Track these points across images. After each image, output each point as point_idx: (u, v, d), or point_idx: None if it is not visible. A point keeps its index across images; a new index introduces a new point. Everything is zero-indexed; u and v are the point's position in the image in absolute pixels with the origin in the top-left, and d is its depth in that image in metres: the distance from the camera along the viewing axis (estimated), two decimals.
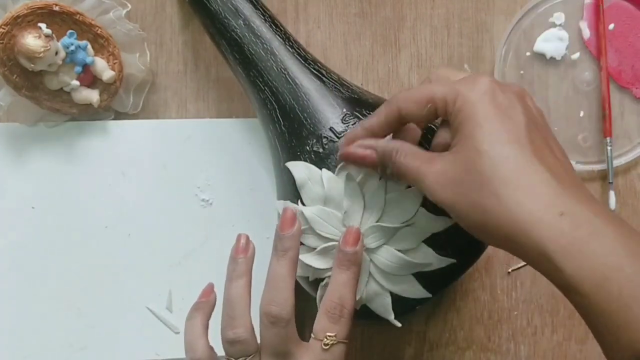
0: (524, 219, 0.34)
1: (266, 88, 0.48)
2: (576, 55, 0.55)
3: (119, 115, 0.56)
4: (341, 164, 0.44)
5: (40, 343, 0.54)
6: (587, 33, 0.55)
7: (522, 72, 0.56)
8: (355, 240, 0.42)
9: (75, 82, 0.52)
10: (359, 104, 0.47)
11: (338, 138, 0.46)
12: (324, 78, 0.48)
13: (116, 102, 0.55)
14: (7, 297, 0.54)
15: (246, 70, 0.49)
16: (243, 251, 0.42)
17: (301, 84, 0.48)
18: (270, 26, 0.49)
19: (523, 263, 0.56)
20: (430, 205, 0.43)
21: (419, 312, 0.56)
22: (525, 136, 0.36)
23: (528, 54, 0.56)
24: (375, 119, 0.41)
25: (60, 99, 0.53)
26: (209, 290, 0.44)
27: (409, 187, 0.44)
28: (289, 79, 0.48)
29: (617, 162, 0.55)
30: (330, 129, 0.46)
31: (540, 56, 0.56)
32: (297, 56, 0.49)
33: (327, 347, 0.40)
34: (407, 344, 0.56)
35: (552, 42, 0.55)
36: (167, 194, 0.55)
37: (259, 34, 0.49)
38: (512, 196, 0.34)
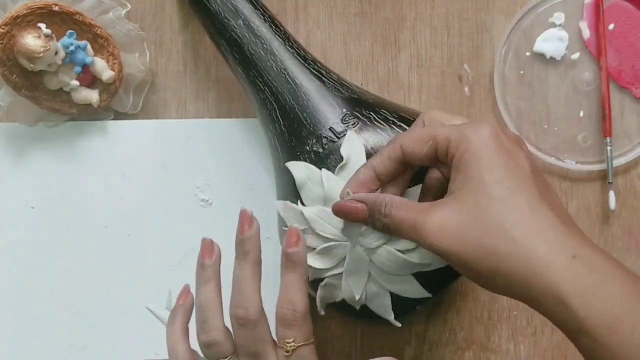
0: (539, 262, 0.34)
1: (266, 88, 0.48)
2: (576, 55, 0.55)
3: (119, 115, 0.56)
4: (341, 163, 0.44)
5: (40, 343, 0.54)
6: (587, 33, 0.55)
7: (522, 72, 0.56)
8: (296, 240, 0.42)
9: (75, 82, 0.52)
10: (359, 104, 0.47)
11: (338, 138, 0.46)
12: (323, 78, 0.48)
13: (116, 102, 0.55)
14: (7, 297, 0.54)
15: (246, 70, 0.49)
16: (208, 256, 0.42)
17: (301, 84, 0.48)
18: (270, 26, 0.49)
19: None
20: None
21: (419, 312, 0.56)
22: (532, 182, 0.36)
23: (528, 54, 0.56)
24: (378, 158, 0.41)
25: (60, 99, 0.53)
26: (185, 293, 0.45)
27: (409, 186, 0.44)
28: (289, 79, 0.48)
29: (617, 162, 0.55)
30: (330, 129, 0.46)
31: (540, 56, 0.56)
32: (297, 56, 0.49)
33: (289, 353, 0.40)
34: (407, 344, 0.56)
35: (552, 42, 0.55)
36: (167, 194, 0.55)
37: (258, 34, 0.49)
38: (525, 239, 0.34)
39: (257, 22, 0.49)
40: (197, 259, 0.43)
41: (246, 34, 0.49)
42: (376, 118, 0.46)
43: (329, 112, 0.47)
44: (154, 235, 0.55)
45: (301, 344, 0.40)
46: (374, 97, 0.49)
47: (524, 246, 0.34)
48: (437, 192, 0.41)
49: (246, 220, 0.42)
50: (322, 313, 0.47)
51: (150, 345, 0.54)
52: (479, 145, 0.37)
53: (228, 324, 0.42)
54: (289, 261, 0.41)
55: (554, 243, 0.34)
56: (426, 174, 0.43)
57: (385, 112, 0.47)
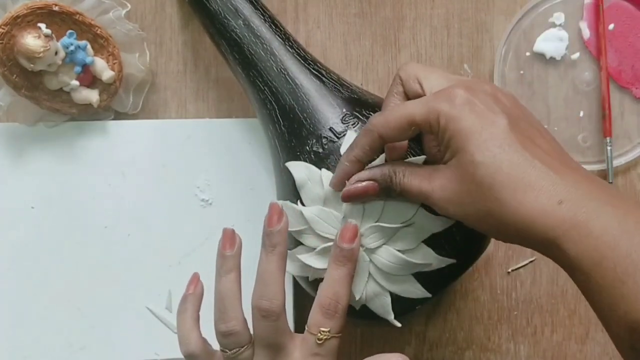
0: (528, 215, 0.36)
1: (266, 88, 0.48)
2: (576, 55, 0.55)
3: (119, 115, 0.56)
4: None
5: (40, 343, 0.54)
6: (587, 33, 0.55)
7: (522, 72, 0.56)
8: (352, 236, 0.42)
9: (75, 82, 0.52)
10: (359, 104, 0.47)
11: (338, 138, 0.46)
12: (323, 78, 0.48)
13: (116, 102, 0.55)
14: (6, 297, 0.54)
15: (246, 70, 0.49)
16: (230, 246, 0.43)
17: (301, 84, 0.48)
18: (270, 26, 0.49)
19: (523, 263, 0.56)
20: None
21: (418, 312, 0.56)
22: (511, 136, 0.38)
23: (528, 54, 0.56)
24: (358, 150, 0.42)
25: (60, 99, 0.53)
26: (195, 281, 0.45)
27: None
28: (289, 79, 0.48)
29: (617, 162, 0.55)
30: (330, 129, 0.46)
31: (540, 56, 0.56)
32: (297, 56, 0.49)
33: (321, 341, 0.41)
34: (407, 344, 0.56)
35: (552, 42, 0.55)
36: (167, 194, 0.55)
37: (258, 34, 0.49)
38: (513, 197, 0.37)
39: (257, 22, 0.49)
40: (218, 248, 0.43)
41: (246, 34, 0.49)
42: None
43: (329, 112, 0.47)
44: (154, 235, 0.55)
45: (335, 335, 0.41)
46: (374, 97, 0.49)
47: (512, 203, 0.36)
48: (442, 155, 0.42)
49: (276, 212, 0.42)
50: None
51: (150, 345, 0.54)
52: (454, 119, 0.38)
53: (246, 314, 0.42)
54: (343, 256, 0.42)
55: (541, 193, 0.36)
56: (423, 141, 0.44)
57: None
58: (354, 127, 0.46)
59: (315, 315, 0.42)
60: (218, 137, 0.55)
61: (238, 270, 0.43)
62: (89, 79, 0.53)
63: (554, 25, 0.55)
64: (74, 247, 0.55)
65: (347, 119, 0.46)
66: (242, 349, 0.41)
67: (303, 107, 0.47)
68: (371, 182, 0.42)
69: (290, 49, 0.49)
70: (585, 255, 0.35)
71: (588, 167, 0.55)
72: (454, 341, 0.56)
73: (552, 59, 0.55)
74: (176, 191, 0.55)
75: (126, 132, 0.55)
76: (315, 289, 0.46)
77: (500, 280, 0.56)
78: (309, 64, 0.49)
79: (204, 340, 0.43)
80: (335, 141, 0.46)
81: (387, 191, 0.42)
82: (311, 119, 0.47)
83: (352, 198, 0.43)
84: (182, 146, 0.55)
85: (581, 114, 0.56)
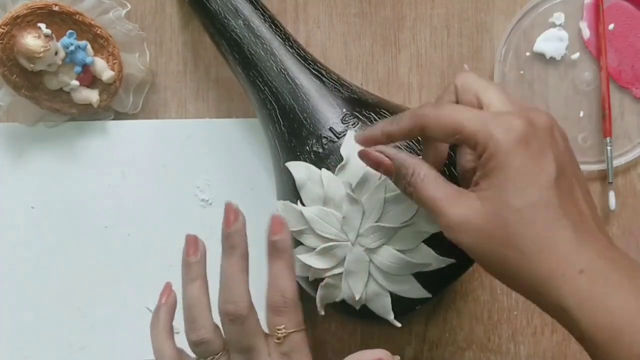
0: (546, 275, 0.35)
1: (266, 88, 0.48)
2: (576, 55, 0.55)
3: (119, 115, 0.56)
4: (341, 164, 0.44)
5: (40, 343, 0.54)
6: (587, 33, 0.55)
7: (522, 72, 0.56)
8: (280, 227, 0.41)
9: (75, 82, 0.52)
10: (359, 104, 0.47)
11: (338, 138, 0.46)
12: (323, 78, 0.48)
13: (116, 102, 0.55)
14: (6, 297, 0.54)
15: (246, 70, 0.49)
16: (194, 253, 0.42)
17: (301, 84, 0.48)
18: (270, 26, 0.49)
19: None
20: None
21: (418, 312, 0.56)
22: (553, 191, 0.36)
23: (528, 54, 0.56)
24: (397, 127, 0.40)
25: (60, 99, 0.53)
26: (167, 291, 0.45)
27: None
28: (289, 79, 0.48)
29: (617, 162, 0.55)
30: (330, 129, 0.46)
31: (540, 56, 0.56)
32: (297, 56, 0.49)
33: (280, 340, 0.40)
34: (407, 344, 0.56)
35: (552, 42, 0.55)
36: (167, 194, 0.55)
37: (258, 34, 0.49)
38: (536, 254, 0.36)
39: (257, 22, 0.49)
40: (182, 256, 0.42)
41: (246, 34, 0.49)
42: (376, 118, 0.46)
43: (329, 112, 0.47)
44: (154, 235, 0.55)
45: (292, 330, 0.41)
46: (374, 97, 0.49)
47: (533, 260, 0.36)
48: (474, 171, 0.40)
49: (231, 213, 0.42)
50: (322, 313, 0.47)
51: (150, 346, 0.54)
52: (504, 153, 0.36)
53: (216, 320, 0.42)
54: (275, 249, 0.41)
55: (564, 258, 0.36)
56: (458, 152, 0.42)
57: (386, 112, 0.47)
58: (354, 127, 0.46)
59: (267, 316, 0.41)
60: (218, 137, 0.55)
61: (204, 277, 0.42)
62: (89, 79, 0.53)
63: (554, 25, 0.55)
64: (74, 247, 0.55)
65: (347, 119, 0.46)
66: (217, 356, 0.41)
67: (303, 107, 0.47)
68: (390, 161, 0.40)
69: (290, 49, 0.49)
70: (599, 329, 0.35)
71: (588, 167, 0.55)
72: (454, 341, 0.56)
73: (552, 59, 0.55)
74: (176, 191, 0.55)
75: (126, 132, 0.55)
76: (315, 289, 0.46)
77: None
78: (309, 64, 0.49)
79: (179, 351, 0.43)
80: (335, 141, 0.46)
81: (398, 180, 0.40)
82: (311, 119, 0.47)
83: (365, 160, 0.42)
84: (182, 146, 0.55)
85: (581, 114, 0.56)
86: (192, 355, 0.43)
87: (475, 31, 0.57)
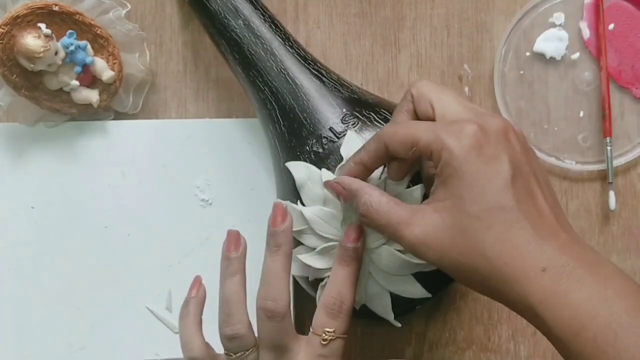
0: (511, 277, 0.36)
1: (266, 88, 0.48)
2: (576, 55, 0.55)
3: (119, 115, 0.56)
4: (341, 164, 0.44)
5: (40, 343, 0.54)
6: (587, 33, 0.55)
7: (522, 72, 0.56)
8: (357, 236, 0.42)
9: (75, 82, 0.52)
10: (359, 104, 0.47)
11: (338, 138, 0.46)
12: (323, 78, 0.48)
13: (116, 102, 0.55)
14: (6, 297, 0.54)
15: (246, 70, 0.49)
16: (235, 248, 0.43)
17: (301, 84, 0.48)
18: (270, 26, 0.49)
19: None
20: None
21: (418, 312, 0.56)
22: (510, 192, 0.37)
23: (528, 54, 0.56)
24: (364, 153, 0.42)
25: (60, 99, 0.53)
26: (197, 284, 0.45)
27: (409, 186, 0.44)
28: (289, 79, 0.48)
29: (617, 162, 0.55)
30: (330, 129, 0.46)
31: (540, 56, 0.56)
32: (297, 56, 0.49)
33: (326, 342, 0.41)
34: (407, 344, 0.56)
35: (552, 42, 0.55)
36: (167, 194, 0.55)
37: (258, 34, 0.49)
38: (499, 258, 0.36)
39: (257, 22, 0.49)
40: (222, 250, 0.43)
41: (246, 34, 0.49)
42: (376, 118, 0.46)
43: (329, 112, 0.47)
44: (154, 235, 0.55)
45: (340, 335, 0.41)
46: (374, 97, 0.49)
47: (498, 264, 0.36)
48: None
49: (280, 212, 0.42)
50: None
51: (150, 345, 0.54)
52: (457, 161, 0.37)
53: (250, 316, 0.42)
54: (347, 256, 0.42)
55: (526, 258, 0.36)
56: (421, 167, 0.44)
57: (385, 112, 0.47)
58: (354, 127, 0.46)
59: (319, 315, 0.42)
60: (218, 137, 0.55)
61: (243, 272, 0.43)
62: (89, 79, 0.53)
63: (554, 25, 0.55)
64: (74, 247, 0.55)
65: (347, 119, 0.46)
66: (247, 352, 0.41)
67: (303, 107, 0.47)
68: (344, 191, 0.42)
69: (290, 49, 0.49)
70: (564, 325, 0.35)
71: (588, 167, 0.55)
72: (454, 341, 0.56)
73: (552, 59, 0.55)
74: (176, 191, 0.55)
75: (126, 132, 0.55)
76: (315, 289, 0.46)
77: None
78: (309, 64, 0.49)
79: (207, 345, 0.43)
80: (335, 141, 0.46)
81: (354, 209, 0.42)
82: (311, 119, 0.47)
83: (328, 189, 0.43)
84: (182, 146, 0.55)
85: (581, 114, 0.56)
86: (218, 350, 0.43)
87: (475, 31, 0.57)
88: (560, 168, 0.56)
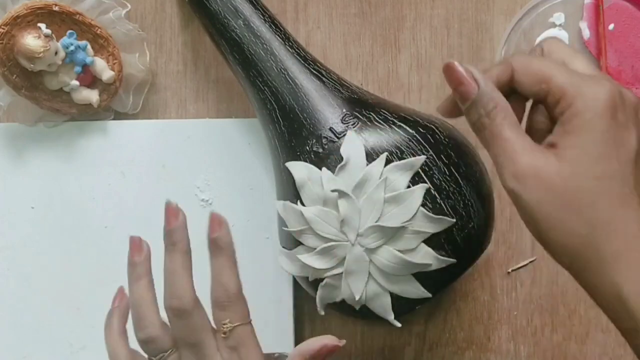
0: (609, 256, 0.34)
1: (266, 88, 0.48)
2: None
3: (119, 115, 0.56)
4: (341, 164, 0.44)
5: (40, 343, 0.54)
6: (587, 33, 0.55)
7: None
8: (217, 225, 0.42)
9: (75, 82, 0.52)
10: (359, 104, 0.47)
11: (338, 138, 0.46)
12: (323, 78, 0.48)
13: (116, 102, 0.55)
14: (6, 297, 0.54)
15: (246, 70, 0.49)
16: (137, 253, 0.42)
17: (301, 84, 0.48)
18: (270, 26, 0.49)
19: (523, 263, 0.56)
20: (430, 206, 0.43)
21: (418, 313, 0.56)
22: (631, 168, 0.35)
23: None
24: (488, 66, 0.39)
25: (60, 99, 0.53)
26: (120, 295, 0.45)
27: (409, 187, 0.44)
28: (289, 79, 0.48)
29: None
30: (330, 129, 0.46)
31: None
32: (297, 56, 0.49)
33: (226, 335, 0.40)
34: (407, 344, 0.56)
35: None
36: (166, 194, 0.55)
37: (258, 34, 0.49)
38: (603, 229, 0.34)
39: (257, 22, 0.49)
40: (127, 257, 0.42)
41: (246, 34, 0.49)
42: (376, 118, 0.46)
43: (329, 112, 0.47)
44: (154, 235, 0.55)
45: (237, 324, 0.40)
46: (374, 97, 0.49)
47: (600, 236, 0.34)
48: (544, 134, 0.38)
49: (172, 212, 0.42)
50: (322, 313, 0.47)
51: None
52: (592, 113, 0.35)
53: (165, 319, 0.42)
54: (215, 246, 0.41)
55: (632, 241, 0.34)
56: (531, 111, 0.40)
57: (385, 112, 0.47)
58: (353, 127, 0.46)
59: (212, 311, 0.41)
60: (218, 137, 0.55)
61: (149, 275, 0.42)
62: (89, 79, 0.53)
63: (554, 25, 0.55)
64: (73, 247, 0.55)
65: (347, 119, 0.46)
66: (167, 354, 0.41)
67: (303, 107, 0.47)
68: (474, 84, 0.37)
69: (290, 49, 0.49)
70: None
71: None
72: (454, 341, 0.56)
73: None
74: (176, 191, 0.55)
75: (126, 132, 0.55)
76: (316, 289, 0.46)
77: (500, 281, 0.56)
78: (309, 64, 0.49)
79: (134, 352, 0.43)
80: (336, 141, 0.46)
81: (474, 108, 0.37)
82: (311, 119, 0.47)
83: (448, 73, 0.39)
84: (182, 146, 0.55)
85: None
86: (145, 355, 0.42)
87: (475, 31, 0.57)
88: None
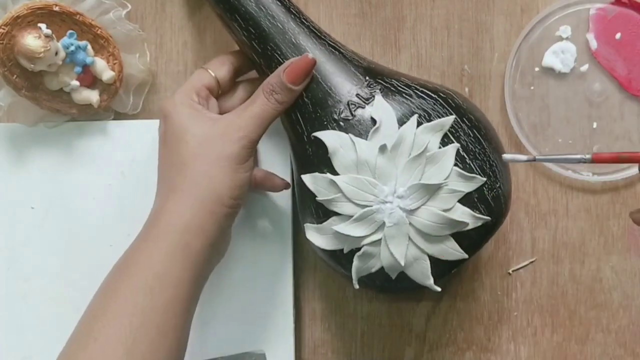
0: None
1: (285, 61, 0.48)
2: (585, 67, 0.55)
3: (119, 116, 0.56)
4: (374, 127, 0.45)
5: (40, 343, 0.54)
6: (594, 44, 0.55)
7: (532, 87, 0.55)
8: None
9: (75, 83, 0.52)
10: (379, 72, 0.48)
11: (366, 103, 0.46)
12: (341, 49, 0.49)
13: (116, 102, 0.55)
14: (6, 297, 0.54)
15: (262, 44, 0.49)
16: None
17: (321, 55, 0.48)
18: (284, 1, 0.49)
19: (523, 264, 0.56)
20: (461, 166, 0.45)
21: (419, 313, 0.56)
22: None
23: (537, 69, 0.55)
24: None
25: (60, 99, 0.53)
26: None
27: (440, 147, 0.45)
28: (309, 50, 0.48)
29: (631, 172, 0.55)
30: (357, 95, 0.47)
31: (550, 70, 0.55)
32: (313, 29, 0.49)
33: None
34: (407, 345, 0.56)
35: (560, 55, 0.55)
36: None
37: (273, 7, 0.49)
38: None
39: None
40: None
41: (262, 8, 0.49)
42: (399, 85, 0.47)
43: (353, 80, 0.48)
44: None
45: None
46: (390, 69, 0.50)
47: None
48: None
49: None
50: (357, 286, 0.47)
51: None
52: None
53: None
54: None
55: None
56: None
57: (405, 79, 0.48)
58: (380, 93, 0.46)
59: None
60: None
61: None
62: (89, 79, 0.53)
63: (560, 38, 0.55)
64: (73, 247, 0.55)
65: (372, 85, 0.47)
66: None
67: (326, 76, 0.48)
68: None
69: (305, 22, 0.49)
70: None
71: (604, 178, 0.55)
72: (454, 342, 0.56)
73: (562, 72, 0.55)
74: None
75: (126, 132, 0.55)
76: (350, 262, 0.46)
77: (500, 281, 0.56)
78: (324, 37, 0.50)
79: None
80: (364, 106, 0.46)
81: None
82: (336, 87, 0.47)
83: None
84: None
85: (594, 125, 0.55)
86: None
87: (475, 32, 0.57)
88: (577, 181, 0.56)
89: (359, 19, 0.57)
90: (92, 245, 0.55)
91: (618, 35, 0.55)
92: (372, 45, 0.57)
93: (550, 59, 0.55)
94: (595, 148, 0.56)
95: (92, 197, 0.55)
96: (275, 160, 0.55)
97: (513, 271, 0.56)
